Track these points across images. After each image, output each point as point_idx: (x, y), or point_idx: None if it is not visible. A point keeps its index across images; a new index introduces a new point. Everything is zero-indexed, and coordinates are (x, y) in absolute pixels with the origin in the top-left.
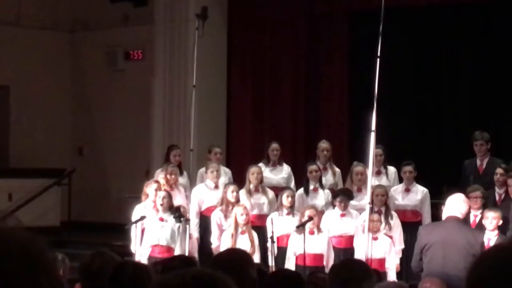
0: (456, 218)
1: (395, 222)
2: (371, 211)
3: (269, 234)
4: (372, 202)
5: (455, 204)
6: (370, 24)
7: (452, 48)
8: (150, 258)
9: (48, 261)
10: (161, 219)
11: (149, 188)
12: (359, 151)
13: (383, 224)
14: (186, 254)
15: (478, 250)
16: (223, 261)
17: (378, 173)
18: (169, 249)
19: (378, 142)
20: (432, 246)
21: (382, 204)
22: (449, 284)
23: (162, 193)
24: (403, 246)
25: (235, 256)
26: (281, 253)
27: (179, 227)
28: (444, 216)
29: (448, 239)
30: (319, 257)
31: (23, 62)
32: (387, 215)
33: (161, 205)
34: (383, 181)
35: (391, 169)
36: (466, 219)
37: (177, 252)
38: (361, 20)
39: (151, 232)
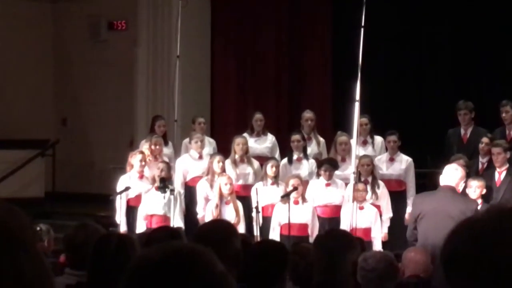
0: (450, 187)
1: (382, 191)
2: (356, 180)
3: (253, 204)
4: (358, 173)
5: (449, 173)
6: None
7: (435, 17)
8: (148, 229)
9: (28, 238)
10: (157, 189)
11: (134, 159)
12: (343, 121)
13: (370, 193)
14: (181, 224)
15: None
16: (206, 233)
17: (364, 143)
18: (166, 218)
19: (362, 112)
20: (425, 216)
21: (368, 173)
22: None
23: (161, 165)
24: (391, 214)
25: (219, 227)
26: (266, 223)
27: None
28: (440, 185)
29: (439, 208)
30: (304, 226)
31: (5, 32)
32: (374, 184)
33: (159, 176)
34: (369, 150)
35: (378, 139)
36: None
37: (175, 221)
38: None
39: (147, 203)
